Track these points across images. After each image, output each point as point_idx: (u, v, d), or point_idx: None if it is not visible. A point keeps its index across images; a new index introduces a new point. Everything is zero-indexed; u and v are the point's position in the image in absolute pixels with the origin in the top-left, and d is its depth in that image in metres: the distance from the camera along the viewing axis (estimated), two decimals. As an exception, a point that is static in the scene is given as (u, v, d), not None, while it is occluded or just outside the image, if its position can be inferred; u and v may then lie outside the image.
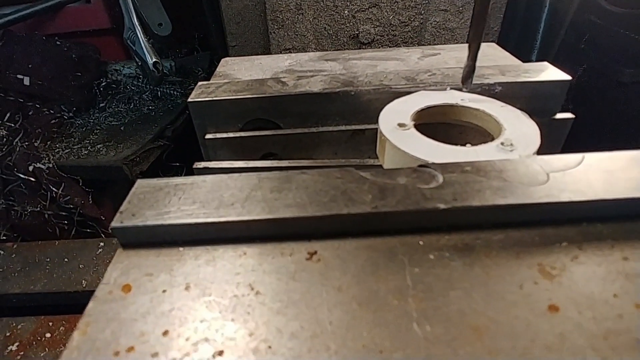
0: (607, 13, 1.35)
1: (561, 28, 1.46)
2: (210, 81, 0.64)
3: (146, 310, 0.30)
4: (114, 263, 0.34)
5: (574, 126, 1.58)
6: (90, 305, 0.31)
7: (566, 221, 0.36)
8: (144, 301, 0.31)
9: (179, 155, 1.51)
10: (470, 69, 0.49)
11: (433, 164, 0.41)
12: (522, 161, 0.40)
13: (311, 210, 0.35)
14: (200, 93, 0.57)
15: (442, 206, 0.34)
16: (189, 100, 0.55)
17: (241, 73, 0.69)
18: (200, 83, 0.59)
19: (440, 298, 0.30)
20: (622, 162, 0.39)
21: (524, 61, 1.45)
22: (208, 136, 0.57)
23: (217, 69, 0.72)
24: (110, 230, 0.35)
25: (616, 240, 0.34)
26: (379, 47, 1.28)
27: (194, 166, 0.53)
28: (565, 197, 0.35)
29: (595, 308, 0.29)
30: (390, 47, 1.28)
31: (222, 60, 0.75)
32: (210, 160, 0.60)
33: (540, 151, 0.60)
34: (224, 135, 0.57)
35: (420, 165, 0.40)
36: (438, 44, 1.27)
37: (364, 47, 1.27)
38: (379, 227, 0.35)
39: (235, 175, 0.39)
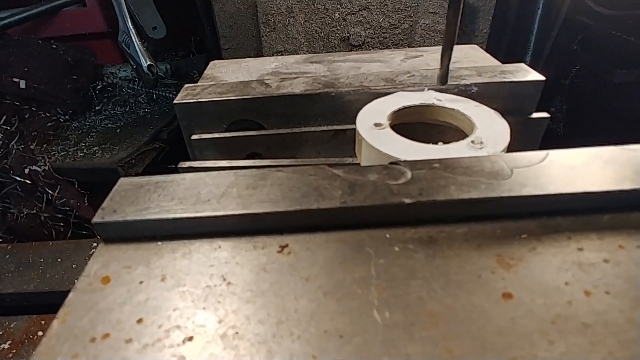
0: (598, 15, 1.37)
1: (553, 29, 1.48)
2: (197, 83, 0.65)
3: (123, 300, 0.31)
4: (95, 257, 0.36)
5: (568, 126, 1.59)
6: (70, 295, 0.32)
7: (527, 215, 0.37)
8: (121, 292, 0.32)
9: (174, 157, 1.53)
10: (445, 69, 0.51)
11: (404, 161, 0.42)
12: (488, 158, 0.41)
13: (283, 205, 0.36)
14: (186, 95, 0.58)
15: (407, 201, 0.36)
16: (175, 102, 0.57)
17: (228, 75, 0.71)
18: (186, 85, 0.61)
19: (401, 287, 0.31)
20: (584, 158, 0.41)
21: (518, 62, 1.46)
22: (194, 137, 0.59)
23: (205, 72, 0.74)
24: (92, 223, 0.37)
25: (573, 232, 0.36)
26: (370, 50, 1.30)
27: (179, 165, 0.54)
28: (525, 192, 0.37)
29: (547, 295, 0.30)
30: (380, 48, 1.30)
31: (210, 63, 0.77)
32: (197, 160, 0.61)
33: (517, 150, 0.61)
34: (210, 135, 0.59)
35: (391, 163, 0.42)
36: (428, 46, 1.29)
37: (355, 49, 1.29)
38: (347, 221, 0.37)
39: (214, 173, 0.41)
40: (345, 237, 0.36)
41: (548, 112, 1.67)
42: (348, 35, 1.27)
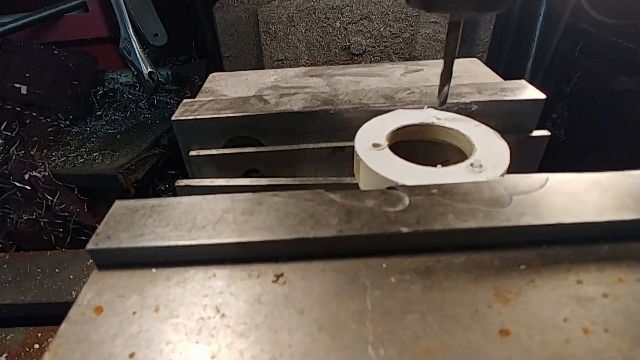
0: (600, 22, 1.36)
1: (555, 36, 1.48)
2: (196, 98, 0.65)
3: (115, 332, 0.31)
4: (89, 284, 0.35)
5: (569, 132, 1.58)
6: (63, 326, 0.32)
7: (526, 244, 0.37)
8: (113, 323, 0.32)
9: (175, 163, 1.53)
10: (444, 93, 0.51)
11: (402, 186, 0.42)
12: (487, 184, 0.41)
13: (279, 233, 0.36)
14: (184, 111, 0.58)
15: (404, 230, 0.36)
16: (173, 118, 0.57)
17: (227, 89, 0.71)
18: (185, 101, 0.61)
19: (397, 321, 0.31)
20: (584, 184, 0.41)
21: (519, 69, 1.46)
22: (192, 153, 0.59)
23: (204, 85, 0.74)
24: (86, 249, 0.37)
25: (572, 263, 0.35)
26: (371, 58, 1.30)
27: (176, 184, 0.54)
28: (524, 221, 0.36)
29: (544, 332, 0.30)
30: (381, 57, 1.30)
31: (210, 75, 0.77)
32: (195, 176, 0.61)
33: (518, 167, 0.61)
34: (208, 152, 0.58)
35: (389, 188, 0.41)
36: (429, 55, 1.28)
37: (355, 58, 1.29)
38: (344, 250, 0.36)
39: (210, 196, 0.40)
40: (342, 266, 0.36)
41: (549, 118, 1.65)
42: (349, 44, 1.26)
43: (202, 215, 0.38)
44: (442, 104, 0.52)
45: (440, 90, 0.52)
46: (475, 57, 1.32)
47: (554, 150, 1.64)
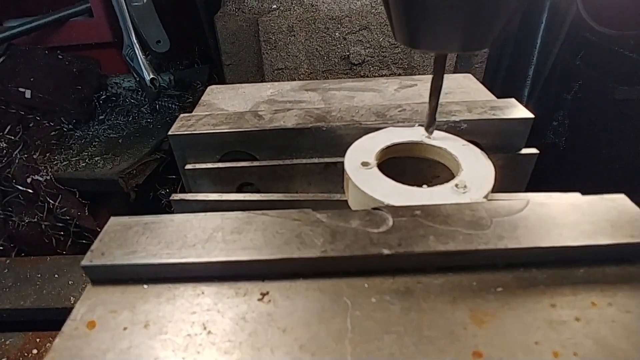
0: (601, 33, 1.37)
1: (556, 45, 1.49)
2: (194, 111, 0.67)
3: (107, 347, 0.33)
4: (83, 299, 0.37)
5: (570, 140, 1.58)
6: (57, 341, 0.33)
7: (504, 266, 0.38)
8: (105, 338, 0.33)
9: (175, 167, 1.55)
10: (431, 120, 0.52)
11: (387, 206, 0.43)
12: (469, 206, 0.42)
13: (266, 253, 0.37)
14: (180, 126, 0.60)
15: (386, 252, 0.37)
16: (170, 133, 0.59)
17: (224, 102, 0.72)
18: (181, 115, 0.62)
19: (375, 342, 0.32)
20: (563, 208, 0.42)
21: (521, 77, 1.46)
22: (188, 166, 0.60)
23: (202, 98, 0.75)
24: (80, 266, 0.38)
25: (548, 286, 0.37)
26: (369, 68, 1.31)
27: (171, 198, 0.56)
28: (502, 244, 0.38)
29: (516, 355, 0.31)
30: (380, 67, 1.31)
31: (208, 88, 0.79)
32: (191, 189, 0.63)
33: (507, 184, 0.62)
34: (203, 165, 0.60)
35: (374, 208, 0.43)
36: (427, 65, 1.30)
37: (354, 67, 1.31)
38: (327, 269, 0.38)
39: (201, 215, 0.42)
40: (325, 285, 0.37)
41: (550, 126, 1.66)
42: (348, 53, 1.28)
43: (193, 233, 0.40)
44: (430, 133, 0.54)
45: (427, 124, 0.54)
46: (476, 65, 1.34)
47: (555, 158, 1.65)
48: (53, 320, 0.80)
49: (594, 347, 0.32)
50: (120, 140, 1.54)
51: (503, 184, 0.56)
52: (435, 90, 0.48)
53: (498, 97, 0.70)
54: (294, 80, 1.30)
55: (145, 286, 0.38)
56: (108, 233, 0.41)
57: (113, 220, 0.42)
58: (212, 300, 0.36)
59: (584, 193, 0.45)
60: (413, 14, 0.40)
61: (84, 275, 0.89)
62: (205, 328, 0.34)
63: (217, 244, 0.39)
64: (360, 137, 0.57)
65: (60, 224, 1.40)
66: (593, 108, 1.49)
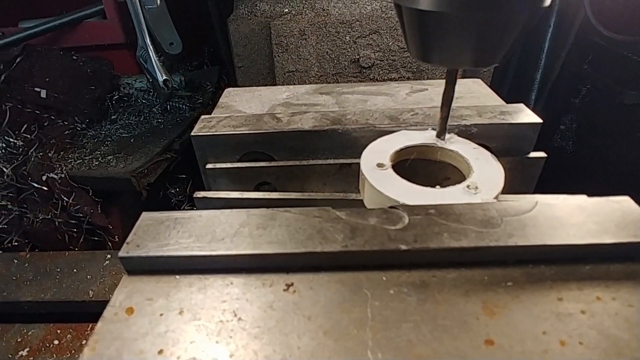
0: (609, 37, 1.38)
1: (564, 49, 1.50)
2: (212, 114, 0.70)
3: (145, 331, 0.35)
4: (120, 287, 0.40)
5: (577, 143, 1.59)
6: (99, 324, 0.36)
7: (514, 262, 0.41)
8: (143, 323, 0.36)
9: (186, 167, 1.58)
10: (442, 129, 0.55)
11: (402, 205, 0.46)
12: (480, 206, 0.45)
13: (290, 247, 0.40)
14: (202, 127, 0.63)
15: (403, 247, 0.40)
16: (192, 134, 0.61)
17: (242, 105, 0.75)
18: (203, 117, 0.65)
19: (393, 329, 0.35)
20: (570, 208, 0.44)
21: (528, 81, 1.47)
22: (208, 166, 0.63)
23: (220, 100, 0.78)
24: (118, 257, 0.41)
25: (555, 282, 0.39)
26: (379, 71, 1.34)
27: (194, 195, 0.58)
28: (512, 242, 0.40)
29: (525, 343, 0.34)
30: (390, 70, 1.34)
31: (225, 90, 0.82)
32: (211, 187, 0.66)
33: (516, 186, 0.65)
34: (223, 165, 0.63)
35: (391, 207, 0.45)
36: (436, 69, 1.32)
37: (364, 71, 1.33)
38: (348, 263, 0.40)
39: (227, 211, 0.45)
40: (345, 278, 0.40)
41: (558, 130, 1.67)
42: (358, 57, 1.31)
43: (221, 228, 0.43)
44: (442, 135, 0.57)
45: (439, 133, 0.57)
46: (484, 69, 1.36)
47: (562, 161, 1.67)
48: (72, 312, 0.83)
49: (598, 337, 0.34)
50: (132, 140, 1.57)
51: (512, 186, 0.59)
52: (447, 101, 0.51)
53: (506, 100, 0.72)
54: (305, 82, 1.33)
55: (177, 277, 0.40)
56: (141, 227, 0.43)
57: (145, 215, 0.45)
58: (240, 290, 0.39)
59: (590, 196, 0.47)
60: (426, 32, 0.42)
61: (101, 270, 0.92)
62: (235, 315, 0.36)
63: (244, 238, 0.41)
64: (375, 139, 0.60)
65: (74, 221, 1.43)
66: (601, 112, 1.50)
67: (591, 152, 1.58)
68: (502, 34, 0.40)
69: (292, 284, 0.39)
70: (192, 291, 0.39)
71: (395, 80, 1.31)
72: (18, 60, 1.60)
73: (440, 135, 0.56)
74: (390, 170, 0.53)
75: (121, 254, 0.40)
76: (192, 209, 0.59)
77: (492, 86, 0.80)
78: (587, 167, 1.59)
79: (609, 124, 1.48)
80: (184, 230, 0.42)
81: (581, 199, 0.46)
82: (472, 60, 0.43)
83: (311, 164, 0.63)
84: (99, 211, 1.44)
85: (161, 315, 0.37)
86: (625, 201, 0.45)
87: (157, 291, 0.39)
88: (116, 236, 1.46)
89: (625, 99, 1.35)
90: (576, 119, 1.66)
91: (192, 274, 0.40)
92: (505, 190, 0.53)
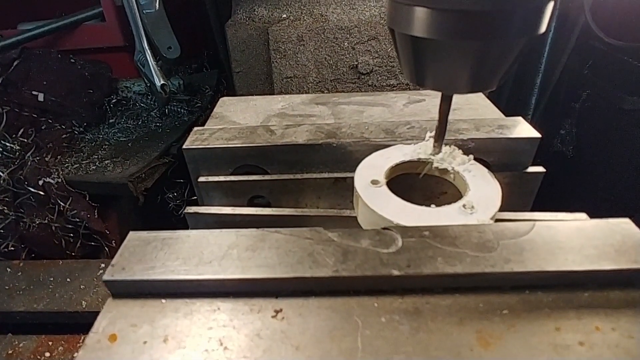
0: (609, 43, 1.37)
1: (564, 53, 1.49)
2: (206, 126, 0.69)
3: (127, 360, 0.34)
4: (104, 312, 0.38)
5: (577, 149, 1.58)
6: (81, 353, 0.35)
7: (510, 288, 0.40)
8: (126, 351, 0.35)
9: (184, 171, 1.57)
10: (438, 149, 0.54)
11: (396, 226, 0.45)
12: (476, 228, 0.43)
13: (279, 271, 0.39)
14: (194, 140, 0.61)
15: (395, 272, 0.38)
16: (184, 147, 0.60)
17: (236, 115, 0.74)
18: (195, 128, 0.64)
19: (384, 361, 0.34)
20: (569, 231, 0.43)
21: (528, 86, 1.46)
22: (201, 179, 0.62)
23: (215, 110, 0.77)
24: (102, 280, 0.40)
25: (552, 309, 0.38)
26: (377, 77, 1.33)
27: (185, 211, 0.57)
28: (508, 268, 0.39)
29: (520, 378, 0.32)
30: (388, 77, 1.33)
31: (220, 100, 0.80)
32: (204, 200, 0.64)
33: (514, 201, 0.63)
34: (216, 178, 0.62)
35: (384, 228, 0.44)
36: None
37: (362, 77, 1.32)
38: (339, 288, 0.39)
39: (216, 231, 0.44)
40: (336, 304, 0.38)
41: (557, 135, 1.65)
42: (356, 63, 1.30)
43: (209, 250, 0.41)
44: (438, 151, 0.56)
45: (434, 151, 0.56)
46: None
47: (562, 167, 1.65)
48: (65, 323, 0.82)
49: (596, 371, 0.33)
50: (129, 144, 1.56)
51: (510, 201, 0.57)
52: (441, 124, 0.50)
53: (505, 106, 0.71)
54: (303, 88, 1.31)
55: (163, 301, 0.39)
56: (128, 248, 0.42)
57: (132, 235, 0.44)
58: (227, 316, 0.38)
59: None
60: (420, 58, 0.41)
61: (95, 279, 0.91)
62: (221, 344, 0.35)
63: (233, 261, 0.40)
64: (370, 153, 0.59)
65: (70, 226, 1.42)
66: (601, 117, 1.49)
67: (591, 157, 1.56)
68: (497, 60, 0.39)
69: (280, 310, 0.38)
70: (178, 317, 0.38)
71: (394, 86, 1.30)
72: (16, 63, 1.59)
73: (435, 155, 0.55)
74: (385, 188, 0.52)
75: (106, 277, 0.39)
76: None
77: (492, 91, 0.78)
78: (586, 172, 1.58)
79: (609, 129, 1.46)
80: (171, 251, 0.41)
81: (580, 221, 0.45)
82: (467, 86, 0.42)
83: (305, 177, 0.61)
84: (96, 216, 1.43)
85: (145, 343, 0.36)
86: (625, 223, 0.44)
87: (142, 316, 0.38)
88: (113, 241, 1.45)
89: (625, 104, 1.34)
90: (576, 124, 1.65)
91: (178, 298, 0.39)
92: (503, 206, 0.52)
